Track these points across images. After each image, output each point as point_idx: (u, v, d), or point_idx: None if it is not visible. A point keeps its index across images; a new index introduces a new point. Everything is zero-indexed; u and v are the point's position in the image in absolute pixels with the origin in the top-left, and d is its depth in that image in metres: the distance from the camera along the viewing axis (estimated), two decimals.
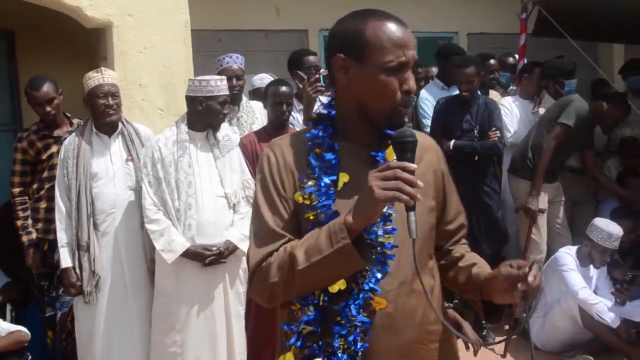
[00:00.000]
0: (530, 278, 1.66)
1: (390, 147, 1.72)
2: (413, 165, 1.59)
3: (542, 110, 5.91)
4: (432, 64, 6.67)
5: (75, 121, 4.63)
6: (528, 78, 6.10)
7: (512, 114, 5.87)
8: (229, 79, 4.93)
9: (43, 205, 4.48)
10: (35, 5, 4.81)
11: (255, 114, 5.09)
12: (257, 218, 1.78)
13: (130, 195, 4.20)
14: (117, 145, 4.25)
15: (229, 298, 4.14)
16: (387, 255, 1.71)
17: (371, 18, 1.73)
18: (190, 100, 4.09)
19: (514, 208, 5.61)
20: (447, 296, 2.03)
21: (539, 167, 5.35)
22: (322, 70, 6.26)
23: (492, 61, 6.40)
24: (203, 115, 4.08)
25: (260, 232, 1.76)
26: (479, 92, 5.56)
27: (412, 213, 1.60)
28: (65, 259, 4.11)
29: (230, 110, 5.00)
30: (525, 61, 6.45)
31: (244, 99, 5.19)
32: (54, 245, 4.29)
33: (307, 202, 1.72)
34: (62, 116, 4.63)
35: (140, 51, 4.80)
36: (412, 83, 1.73)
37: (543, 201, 5.42)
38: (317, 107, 4.19)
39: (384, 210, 1.69)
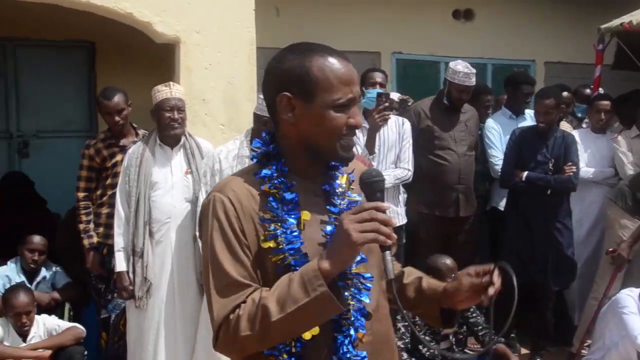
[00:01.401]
0: (495, 279, 1.76)
1: (344, 176, 1.79)
2: (386, 205, 1.60)
3: (621, 138, 5.71)
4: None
5: (141, 132, 4.80)
6: (591, 112, 5.93)
7: (581, 147, 5.69)
8: None
9: (105, 211, 4.64)
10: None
11: None
12: (217, 268, 1.67)
13: (186, 207, 4.30)
14: (178, 157, 4.37)
15: None
16: (367, 285, 1.70)
17: (315, 55, 1.70)
18: (257, 117, 4.13)
19: (605, 250, 5.35)
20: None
21: None
22: (399, 95, 6.25)
23: (565, 93, 6.26)
24: None
25: (223, 284, 1.66)
26: None
27: (387, 253, 1.59)
28: (120, 263, 4.25)
29: None
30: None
31: None
32: (112, 250, 4.43)
33: (273, 245, 1.67)
34: (129, 126, 4.81)
35: (206, 67, 4.93)
36: (358, 118, 1.72)
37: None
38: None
39: None
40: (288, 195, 1.71)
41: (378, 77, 5.06)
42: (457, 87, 5.26)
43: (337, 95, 1.68)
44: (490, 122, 5.83)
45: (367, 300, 1.70)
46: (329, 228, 1.71)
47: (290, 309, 1.57)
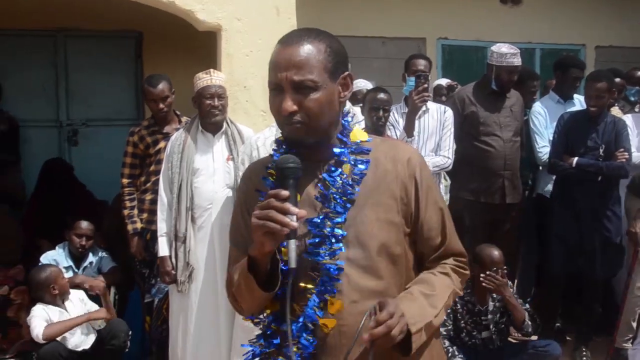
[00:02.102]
0: (372, 326, 1.60)
1: (346, 164, 1.80)
2: (284, 193, 1.62)
3: None
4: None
5: (184, 119, 4.86)
6: None
7: (633, 132, 5.52)
8: None
9: (149, 197, 4.71)
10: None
11: (358, 118, 5.11)
12: (229, 241, 1.96)
13: (227, 193, 4.32)
14: (220, 144, 4.40)
15: None
16: (332, 277, 1.73)
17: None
18: None
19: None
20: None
21: None
22: (447, 81, 6.17)
23: (617, 80, 6.09)
24: None
25: (230, 254, 1.94)
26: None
27: (291, 241, 1.61)
28: (163, 248, 4.31)
29: None
30: None
31: (348, 104, 5.23)
32: (156, 235, 4.47)
33: None
34: (172, 114, 4.87)
35: (247, 54, 4.95)
36: (283, 104, 1.72)
37: None
38: None
39: (330, 230, 1.73)
40: None
41: (421, 64, 4.99)
42: (507, 69, 5.15)
43: (269, 80, 1.78)
44: (537, 107, 5.70)
45: (333, 291, 1.73)
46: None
47: (237, 281, 1.78)
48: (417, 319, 1.69)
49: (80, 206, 5.57)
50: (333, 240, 1.74)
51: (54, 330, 4.26)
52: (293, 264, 1.61)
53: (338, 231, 1.74)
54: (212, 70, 4.43)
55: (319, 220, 1.75)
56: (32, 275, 4.51)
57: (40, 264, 4.78)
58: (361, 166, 1.81)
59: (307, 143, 1.77)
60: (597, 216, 5.07)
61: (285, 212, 1.59)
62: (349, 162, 1.81)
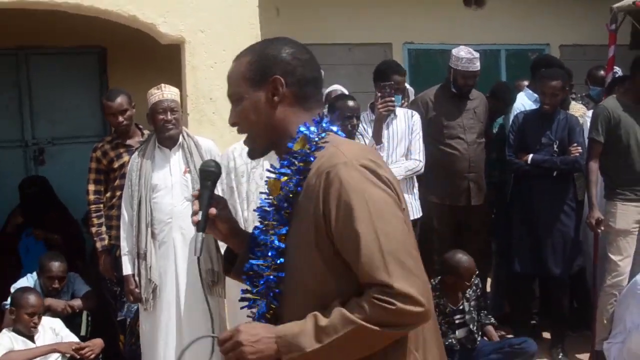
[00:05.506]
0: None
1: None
2: (194, 193, 1.90)
3: None
4: (523, 77, 6.48)
5: (146, 132, 4.82)
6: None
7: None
8: None
9: (115, 212, 4.65)
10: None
11: None
12: None
13: (186, 206, 4.26)
14: (176, 157, 4.36)
15: None
16: (271, 288, 1.78)
17: None
18: None
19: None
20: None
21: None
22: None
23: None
24: None
25: None
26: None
27: (198, 234, 1.84)
28: (126, 267, 4.29)
29: None
30: (620, 74, 6.11)
31: None
32: None
33: None
34: (134, 127, 4.86)
35: (211, 66, 4.93)
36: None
37: (627, 221, 5.02)
38: None
39: (268, 241, 1.79)
40: None
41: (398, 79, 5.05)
42: (462, 74, 5.22)
43: None
44: (518, 106, 5.74)
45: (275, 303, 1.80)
46: None
47: None
48: (293, 348, 1.64)
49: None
50: (273, 252, 1.78)
51: (12, 358, 4.07)
52: (196, 253, 1.81)
53: (276, 242, 1.76)
54: (163, 85, 4.39)
55: (259, 230, 1.86)
56: (15, 292, 4.37)
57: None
58: (293, 180, 1.75)
59: (260, 151, 1.88)
60: (555, 212, 5.12)
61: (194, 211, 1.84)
62: (288, 174, 1.78)
